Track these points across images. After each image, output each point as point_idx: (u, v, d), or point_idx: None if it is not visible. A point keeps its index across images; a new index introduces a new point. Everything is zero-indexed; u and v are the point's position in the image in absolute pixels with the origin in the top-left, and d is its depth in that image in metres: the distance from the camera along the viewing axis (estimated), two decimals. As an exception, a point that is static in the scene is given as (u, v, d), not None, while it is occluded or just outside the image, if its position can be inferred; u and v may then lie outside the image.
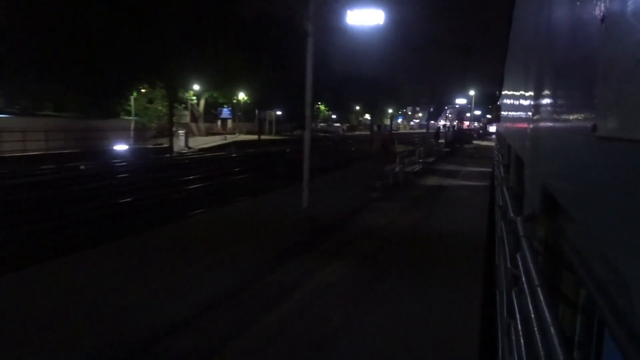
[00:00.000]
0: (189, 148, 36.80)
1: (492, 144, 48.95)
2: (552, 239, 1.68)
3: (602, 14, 0.91)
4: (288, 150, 32.80)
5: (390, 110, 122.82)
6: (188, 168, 23.93)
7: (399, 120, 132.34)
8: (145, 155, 29.86)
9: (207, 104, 50.68)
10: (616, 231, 0.82)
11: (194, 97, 45.49)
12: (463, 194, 14.62)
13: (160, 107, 41.25)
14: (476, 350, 4.42)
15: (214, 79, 43.24)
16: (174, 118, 42.89)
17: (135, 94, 36.00)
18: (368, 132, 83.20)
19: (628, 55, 0.74)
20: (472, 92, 55.45)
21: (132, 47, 31.59)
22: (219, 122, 54.24)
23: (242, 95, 55.60)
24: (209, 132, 50.17)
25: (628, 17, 0.75)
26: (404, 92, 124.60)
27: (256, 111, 60.79)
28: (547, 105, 1.78)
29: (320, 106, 77.17)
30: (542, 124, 1.95)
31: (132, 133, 34.18)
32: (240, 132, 56.97)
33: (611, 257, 0.85)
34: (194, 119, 52.97)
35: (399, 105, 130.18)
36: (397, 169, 15.63)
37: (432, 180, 17.18)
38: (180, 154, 33.62)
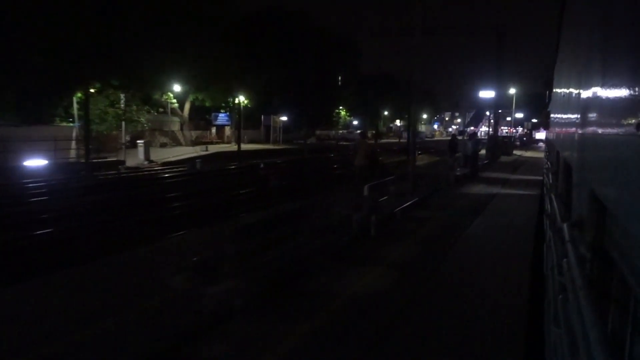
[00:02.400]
0: (150, 162, 29.68)
1: (540, 154, 39.63)
2: (600, 245, 1.62)
3: None
4: (262, 166, 25.15)
5: (424, 116, 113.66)
6: (98, 193, 16.67)
7: (435, 127, 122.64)
8: (75, 172, 22.80)
9: (197, 109, 43.71)
10: None
11: (174, 100, 38.49)
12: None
13: (133, 112, 34.48)
14: None
15: (195, 78, 36.14)
16: (145, 125, 36.14)
17: (80, 94, 29.10)
18: (397, 140, 74.72)
19: None
20: (512, 90, 46.13)
21: (71, 32, 24.75)
22: (214, 130, 47.14)
23: (241, 99, 48.60)
24: (200, 141, 43.11)
25: None
26: (441, 95, 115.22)
27: (262, 117, 53.84)
28: (595, 109, 1.77)
29: (340, 111, 69.28)
30: (589, 128, 1.93)
31: (73, 143, 27.23)
32: (242, 141, 49.79)
33: None
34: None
35: (435, 110, 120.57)
36: (363, 211, 8.06)
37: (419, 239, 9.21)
38: (133, 169, 26.49)
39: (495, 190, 14.85)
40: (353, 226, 7.60)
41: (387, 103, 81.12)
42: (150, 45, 30.03)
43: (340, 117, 68.79)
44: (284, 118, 50.90)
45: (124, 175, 23.16)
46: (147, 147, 29.81)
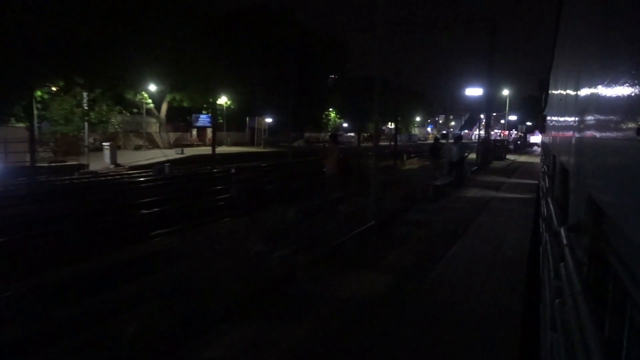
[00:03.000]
0: (117, 165, 27.63)
1: (535, 159, 37.71)
2: (598, 249, 1.62)
3: None
4: (233, 171, 23.14)
5: (418, 118, 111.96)
6: (29, 202, 14.61)
7: (429, 129, 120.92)
8: (26, 176, 20.74)
9: (177, 110, 41.66)
10: None
11: (150, 101, 36.41)
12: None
13: (103, 112, 32.50)
14: None
15: (171, 76, 34.12)
16: (116, 126, 34.12)
17: (40, 92, 27.04)
18: (388, 143, 72.79)
19: None
20: (505, 92, 44.22)
21: (28, 26, 22.70)
22: (194, 132, 45.09)
23: (223, 99, 46.65)
24: (179, 144, 41.03)
25: None
26: (435, 98, 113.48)
27: (247, 119, 51.86)
28: (592, 112, 1.77)
29: (330, 113, 67.36)
30: (587, 132, 1.95)
31: (27, 146, 25.08)
32: (225, 144, 47.82)
33: None
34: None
35: (429, 113, 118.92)
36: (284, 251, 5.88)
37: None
38: (92, 173, 24.41)
39: (481, 204, 12.49)
40: (273, 267, 5.55)
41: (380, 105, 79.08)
42: (117, 41, 28.01)
43: (329, 119, 66.83)
44: (269, 120, 48.79)
45: (76, 180, 21.09)
46: (113, 150, 27.74)
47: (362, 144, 71.34)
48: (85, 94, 25.54)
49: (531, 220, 9.14)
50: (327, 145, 14.17)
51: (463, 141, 17.07)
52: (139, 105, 36.29)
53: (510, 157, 37.21)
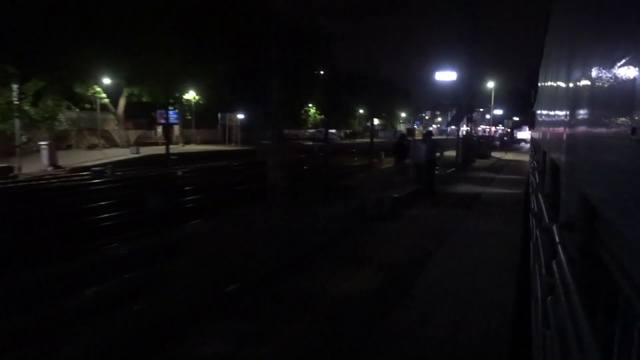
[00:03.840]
0: (57, 167, 24.60)
1: (523, 156, 34.95)
2: (589, 246, 1.62)
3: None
4: (179, 173, 20.26)
5: (403, 115, 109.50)
6: None
7: (415, 126, 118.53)
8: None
9: (141, 105, 38.54)
10: None
11: (104, 95, 33.28)
12: None
13: (48, 108, 29.41)
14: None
15: (126, 69, 31.06)
16: (64, 123, 31.00)
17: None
18: (378, 140, 70.09)
19: None
20: (491, 84, 41.55)
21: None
22: (159, 129, 42.00)
23: (192, 94, 43.61)
24: (142, 142, 37.98)
25: None
26: (422, 93, 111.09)
27: (219, 115, 48.83)
28: (584, 108, 1.77)
29: (310, 109, 64.50)
30: (578, 128, 1.93)
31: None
32: (194, 142, 44.80)
33: None
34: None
35: (415, 109, 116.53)
36: None
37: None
38: (9, 178, 21.35)
39: (450, 224, 9.01)
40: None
41: (363, 101, 76.58)
42: (59, 27, 24.95)
43: (309, 116, 63.97)
44: (241, 116, 45.81)
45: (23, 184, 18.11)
46: (52, 150, 24.66)
47: (342, 141, 68.66)
48: (15, 86, 22.36)
49: (516, 274, 6.22)
50: (268, 146, 11.39)
51: (434, 138, 14.15)
52: (92, 100, 33.11)
53: (495, 154, 34.63)
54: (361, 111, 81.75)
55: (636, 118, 0.90)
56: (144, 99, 34.85)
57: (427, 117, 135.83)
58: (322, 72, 64.85)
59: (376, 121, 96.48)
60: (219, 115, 48.48)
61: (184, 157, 30.53)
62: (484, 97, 50.14)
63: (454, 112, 38.73)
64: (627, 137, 0.94)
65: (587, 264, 1.58)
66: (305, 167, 22.56)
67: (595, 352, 0.98)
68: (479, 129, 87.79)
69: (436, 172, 12.91)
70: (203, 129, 47.87)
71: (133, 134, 39.35)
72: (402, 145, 14.08)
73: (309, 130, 64.15)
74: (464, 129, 79.29)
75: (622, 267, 1.14)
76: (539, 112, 8.15)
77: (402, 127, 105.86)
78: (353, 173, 19.98)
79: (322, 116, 68.36)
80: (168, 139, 26.39)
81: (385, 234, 8.16)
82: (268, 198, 11.49)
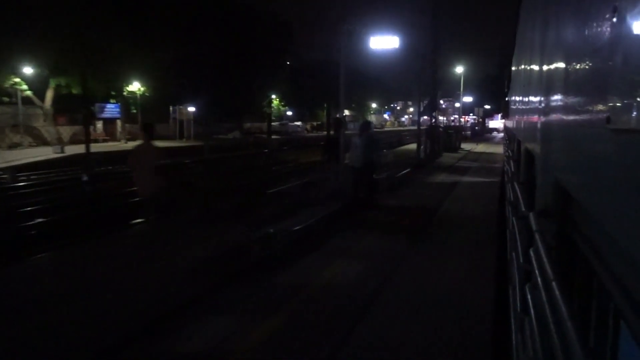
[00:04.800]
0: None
1: (496, 148, 31.96)
2: (565, 233, 1.68)
3: (615, 3, 0.91)
4: (85, 179, 16.71)
5: (374, 105, 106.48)
6: None
7: (386, 116, 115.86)
8: None
9: (77, 99, 34.47)
10: (630, 223, 0.82)
11: (26, 87, 29.24)
12: None
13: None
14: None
15: (45, 56, 27.13)
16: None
17: None
18: (347, 132, 66.74)
19: None
20: (459, 69, 38.52)
21: None
22: (99, 125, 38.05)
23: (137, 86, 39.69)
24: (79, 140, 34.02)
25: None
26: (392, 83, 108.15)
27: (171, 108, 45.00)
28: (559, 98, 1.77)
29: (273, 100, 60.91)
30: (553, 117, 1.94)
31: None
32: (141, 138, 40.85)
33: (626, 251, 0.86)
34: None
35: (386, 99, 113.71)
36: None
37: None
38: None
39: (379, 276, 5.74)
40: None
41: (331, 92, 73.18)
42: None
43: (272, 107, 60.37)
44: (192, 109, 42.06)
45: None
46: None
47: (308, 134, 65.20)
48: None
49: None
50: (136, 146, 8.02)
51: (374, 130, 10.83)
52: (10, 93, 29.04)
53: (466, 146, 31.84)
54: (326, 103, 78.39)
55: (610, 106, 0.92)
56: (73, 91, 30.87)
57: (399, 108, 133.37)
58: (287, 63, 61.34)
59: (346, 112, 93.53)
60: (171, 108, 44.75)
61: (115, 156, 26.86)
62: (454, 85, 47.38)
63: (427, 101, 35.72)
64: (601, 126, 0.96)
65: (563, 250, 1.69)
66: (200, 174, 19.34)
67: (572, 335, 1.00)
68: (452, 118, 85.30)
69: (377, 177, 9.68)
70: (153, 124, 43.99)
71: (68, 131, 35.39)
72: (333, 142, 10.83)
73: (273, 124, 60.62)
74: (440, 119, 76.39)
75: (597, 252, 1.18)
76: (513, 100, 7.71)
77: (372, 118, 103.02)
78: (282, 178, 16.48)
79: (285, 107, 64.89)
80: (88, 136, 22.60)
81: (266, 301, 4.91)
82: (143, 214, 8.29)
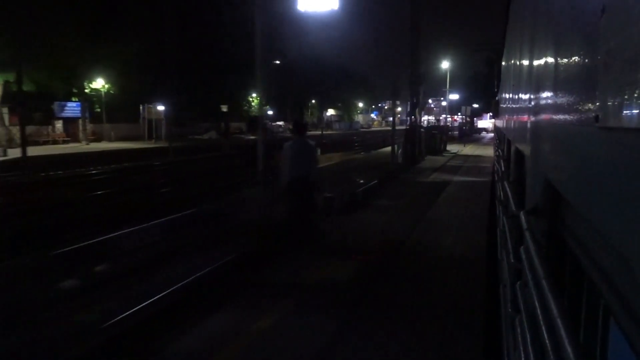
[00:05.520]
0: None
1: (486, 149, 29.45)
2: (555, 232, 1.67)
3: (603, 2, 0.92)
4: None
5: (361, 104, 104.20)
6: None
7: (373, 116, 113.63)
8: None
9: (33, 97, 31.76)
10: (620, 222, 0.82)
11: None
12: None
13: None
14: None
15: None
16: None
17: None
18: (321, 132, 64.09)
19: (630, 43, 0.75)
20: (445, 65, 36.10)
21: None
22: (58, 124, 35.26)
23: (101, 83, 36.99)
24: (35, 141, 31.36)
25: (629, 5, 0.76)
26: (379, 82, 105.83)
27: (141, 107, 42.18)
28: (548, 97, 1.76)
29: (254, 99, 58.31)
30: (543, 116, 1.94)
31: None
32: (108, 138, 38.11)
33: (615, 248, 0.86)
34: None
35: (374, 99, 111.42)
36: None
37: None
38: None
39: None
40: None
41: (316, 90, 70.80)
42: None
43: (252, 106, 57.80)
44: (162, 108, 39.31)
45: None
46: None
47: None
48: None
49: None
50: None
51: (308, 133, 8.07)
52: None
53: (452, 147, 29.51)
54: (314, 101, 75.97)
55: (599, 105, 0.93)
56: (24, 88, 28.09)
57: (386, 107, 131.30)
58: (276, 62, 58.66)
59: (331, 111, 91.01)
60: (141, 107, 41.99)
61: (60, 160, 24.23)
62: (441, 82, 45.12)
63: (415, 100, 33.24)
64: (590, 125, 0.96)
65: (553, 248, 1.68)
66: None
67: (562, 332, 1.02)
68: (441, 118, 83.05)
69: (330, 194, 7.17)
70: (121, 124, 41.22)
71: (25, 131, 32.50)
72: (249, 148, 8.20)
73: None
74: (427, 118, 73.61)
75: (586, 250, 1.20)
76: (503, 100, 7.65)
77: (359, 118, 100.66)
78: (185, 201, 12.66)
79: (267, 106, 62.27)
80: (24, 139, 20.00)
81: None
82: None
